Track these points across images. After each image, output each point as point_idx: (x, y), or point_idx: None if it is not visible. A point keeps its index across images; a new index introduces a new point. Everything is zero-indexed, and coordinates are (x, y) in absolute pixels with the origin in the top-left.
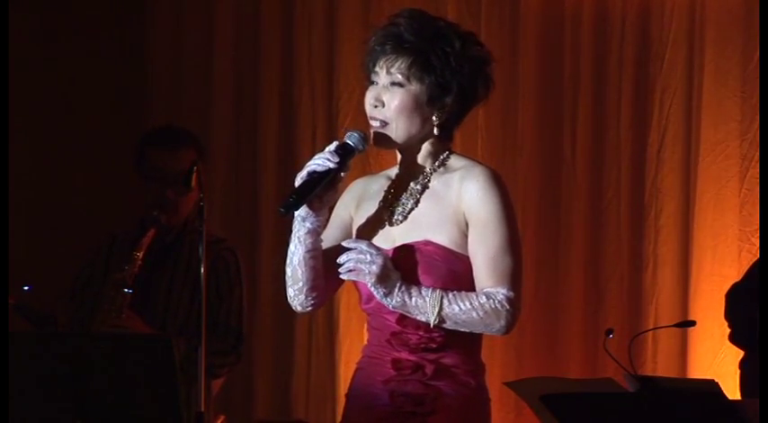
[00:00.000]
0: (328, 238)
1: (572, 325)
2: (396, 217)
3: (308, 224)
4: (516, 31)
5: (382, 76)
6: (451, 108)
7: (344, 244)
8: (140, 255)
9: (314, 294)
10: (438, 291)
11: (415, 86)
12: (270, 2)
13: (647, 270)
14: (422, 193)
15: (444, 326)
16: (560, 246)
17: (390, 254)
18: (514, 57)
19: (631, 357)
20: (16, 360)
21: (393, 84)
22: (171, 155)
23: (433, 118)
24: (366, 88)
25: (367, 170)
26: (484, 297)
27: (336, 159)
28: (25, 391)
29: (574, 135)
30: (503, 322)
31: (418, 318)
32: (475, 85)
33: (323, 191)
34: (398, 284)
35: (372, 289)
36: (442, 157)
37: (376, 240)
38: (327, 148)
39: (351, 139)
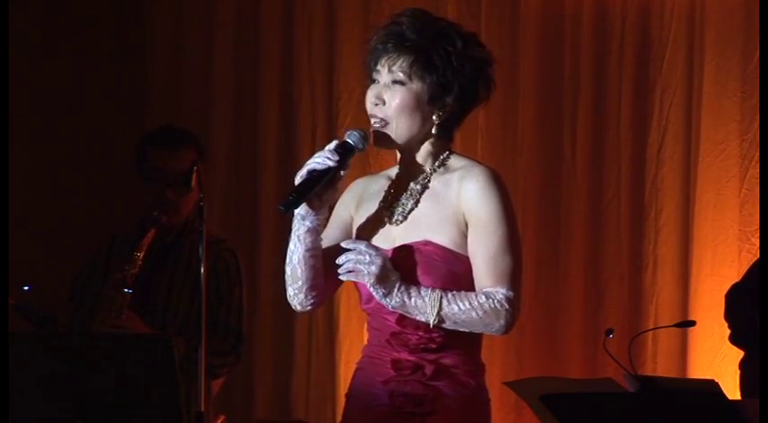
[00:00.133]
0: (328, 238)
1: (572, 325)
2: (396, 217)
3: (307, 223)
4: (516, 31)
5: (384, 74)
6: (452, 108)
7: (343, 245)
8: (140, 255)
9: (313, 293)
10: (437, 291)
11: (416, 85)
12: (270, 2)
13: (647, 270)
14: (422, 193)
15: (444, 326)
16: (560, 246)
17: (390, 254)
18: (514, 57)
19: (631, 357)
20: (16, 360)
21: (394, 82)
22: (171, 155)
23: (434, 117)
24: (367, 88)
25: (367, 170)
26: (483, 297)
27: (336, 158)
28: (25, 391)
29: (574, 135)
30: (502, 322)
31: (417, 318)
32: (476, 85)
33: (323, 189)
34: (398, 285)
35: (371, 289)
36: (442, 158)
37: (376, 240)
38: (327, 147)
39: (351, 137)
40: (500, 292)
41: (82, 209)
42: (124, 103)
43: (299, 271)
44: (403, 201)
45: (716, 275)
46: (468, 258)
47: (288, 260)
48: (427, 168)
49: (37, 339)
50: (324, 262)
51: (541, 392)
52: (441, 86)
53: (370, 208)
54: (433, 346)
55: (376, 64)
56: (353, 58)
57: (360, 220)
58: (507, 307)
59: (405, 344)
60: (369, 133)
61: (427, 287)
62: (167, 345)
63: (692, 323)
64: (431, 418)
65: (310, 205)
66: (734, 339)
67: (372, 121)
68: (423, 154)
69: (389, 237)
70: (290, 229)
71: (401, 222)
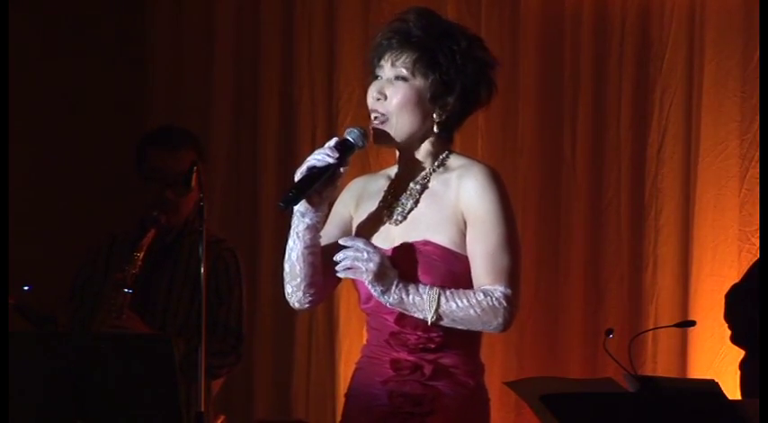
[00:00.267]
0: (327, 235)
1: (572, 325)
2: (395, 217)
3: (307, 220)
4: (516, 31)
5: (387, 69)
6: (453, 107)
7: (341, 242)
8: (140, 255)
9: (312, 291)
10: (435, 288)
11: (418, 82)
12: (270, 2)
13: (647, 270)
14: (421, 193)
15: (442, 323)
16: (560, 246)
17: (389, 253)
18: (514, 57)
19: (631, 357)
20: (16, 360)
21: (397, 77)
22: (171, 155)
23: (434, 116)
24: (368, 86)
25: (367, 169)
26: (481, 294)
27: (336, 155)
28: (25, 391)
29: (574, 135)
30: (500, 320)
31: (416, 315)
32: (478, 86)
33: (322, 186)
34: (395, 282)
35: (369, 286)
36: (441, 157)
37: (375, 240)
38: (327, 144)
39: (351, 135)
40: (498, 290)
41: (82, 209)
42: (124, 103)
43: (298, 268)
44: (402, 200)
45: (716, 275)
46: (467, 258)
47: (286, 257)
48: (427, 168)
49: (37, 339)
50: (322, 259)
51: (541, 392)
52: (443, 85)
53: (370, 207)
54: (432, 345)
55: (379, 59)
56: (353, 58)
57: (359, 219)
58: (505, 305)
59: (404, 344)
60: (369, 131)
61: (425, 285)
62: (167, 345)
63: (692, 323)
64: (430, 418)
65: (310, 202)
66: (734, 340)
67: (373, 116)
68: (422, 153)
69: (389, 236)
70: (290, 227)
71: (401, 222)
